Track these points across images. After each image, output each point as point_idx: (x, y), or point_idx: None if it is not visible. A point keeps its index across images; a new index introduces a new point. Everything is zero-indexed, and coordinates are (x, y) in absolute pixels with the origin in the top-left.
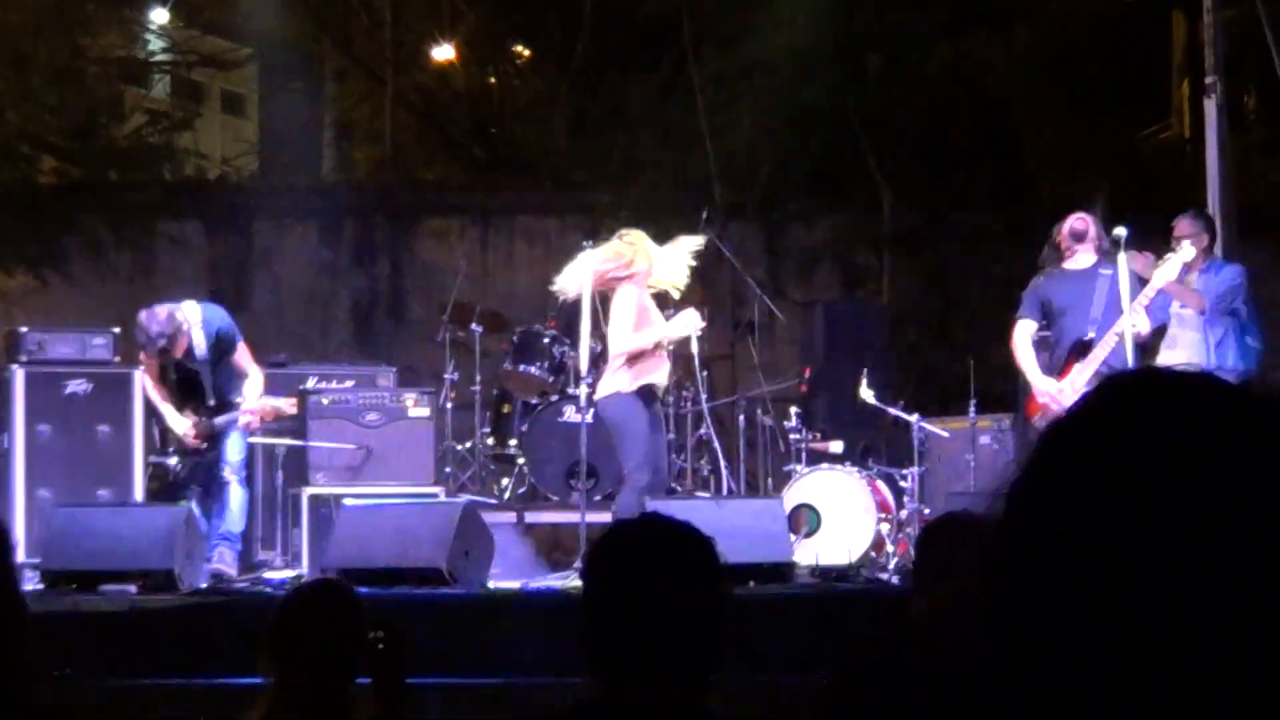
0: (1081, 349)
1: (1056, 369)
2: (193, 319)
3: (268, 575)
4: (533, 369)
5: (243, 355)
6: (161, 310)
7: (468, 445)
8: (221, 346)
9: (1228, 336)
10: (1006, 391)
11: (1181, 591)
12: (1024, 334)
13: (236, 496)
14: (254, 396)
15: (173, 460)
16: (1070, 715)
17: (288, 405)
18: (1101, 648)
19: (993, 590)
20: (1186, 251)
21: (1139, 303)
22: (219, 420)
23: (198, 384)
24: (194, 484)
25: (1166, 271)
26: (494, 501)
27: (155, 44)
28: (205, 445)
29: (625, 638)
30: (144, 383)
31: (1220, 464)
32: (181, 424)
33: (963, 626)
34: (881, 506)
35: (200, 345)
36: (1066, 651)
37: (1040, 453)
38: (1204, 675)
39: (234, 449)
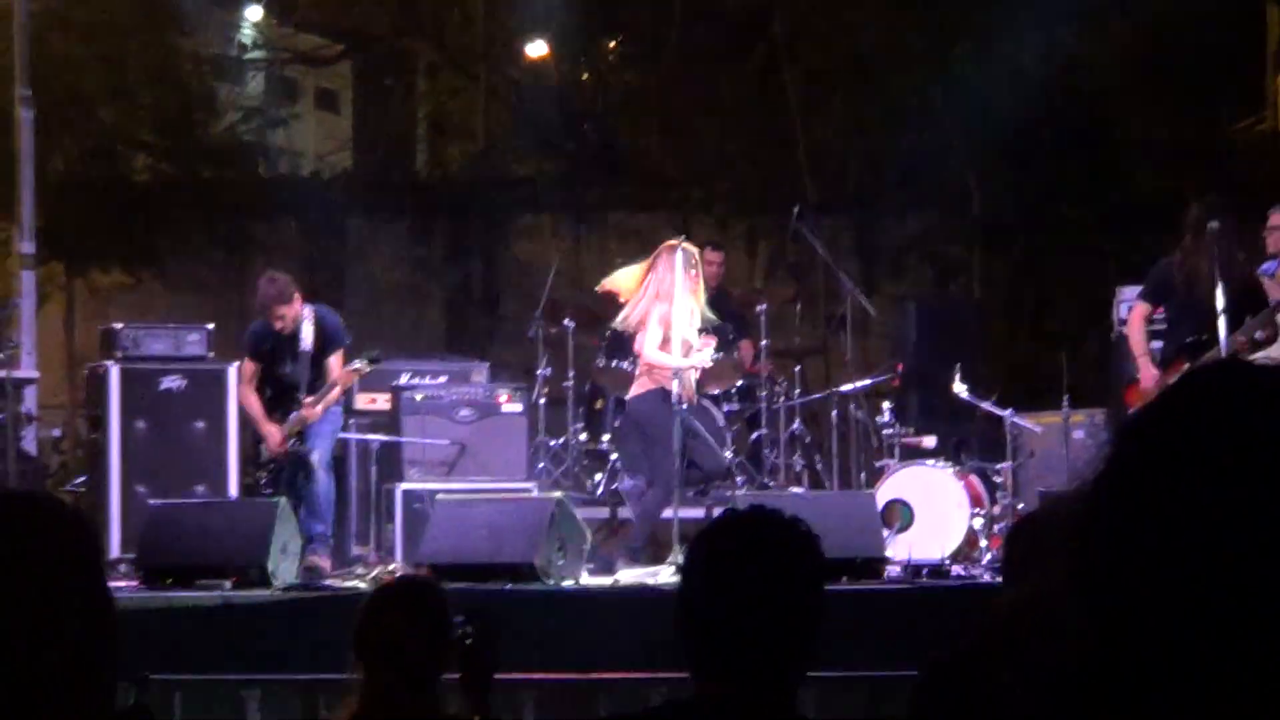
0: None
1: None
2: (307, 313)
3: (361, 570)
4: (625, 364)
5: (336, 361)
6: (281, 278)
7: (561, 441)
8: (325, 345)
9: None
10: (1099, 385)
11: (1266, 578)
12: None
13: (324, 491)
14: (322, 401)
15: (263, 475)
16: (1159, 702)
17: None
18: (1188, 634)
19: (1080, 580)
20: None
21: (1262, 319)
22: (303, 411)
23: (293, 385)
24: (283, 484)
25: None
26: (587, 497)
27: (249, 41)
28: (292, 443)
29: (725, 633)
30: (239, 390)
31: None
32: (270, 432)
33: (1048, 619)
34: (974, 502)
35: (308, 338)
36: (1154, 639)
37: (1125, 442)
38: None
39: (322, 443)
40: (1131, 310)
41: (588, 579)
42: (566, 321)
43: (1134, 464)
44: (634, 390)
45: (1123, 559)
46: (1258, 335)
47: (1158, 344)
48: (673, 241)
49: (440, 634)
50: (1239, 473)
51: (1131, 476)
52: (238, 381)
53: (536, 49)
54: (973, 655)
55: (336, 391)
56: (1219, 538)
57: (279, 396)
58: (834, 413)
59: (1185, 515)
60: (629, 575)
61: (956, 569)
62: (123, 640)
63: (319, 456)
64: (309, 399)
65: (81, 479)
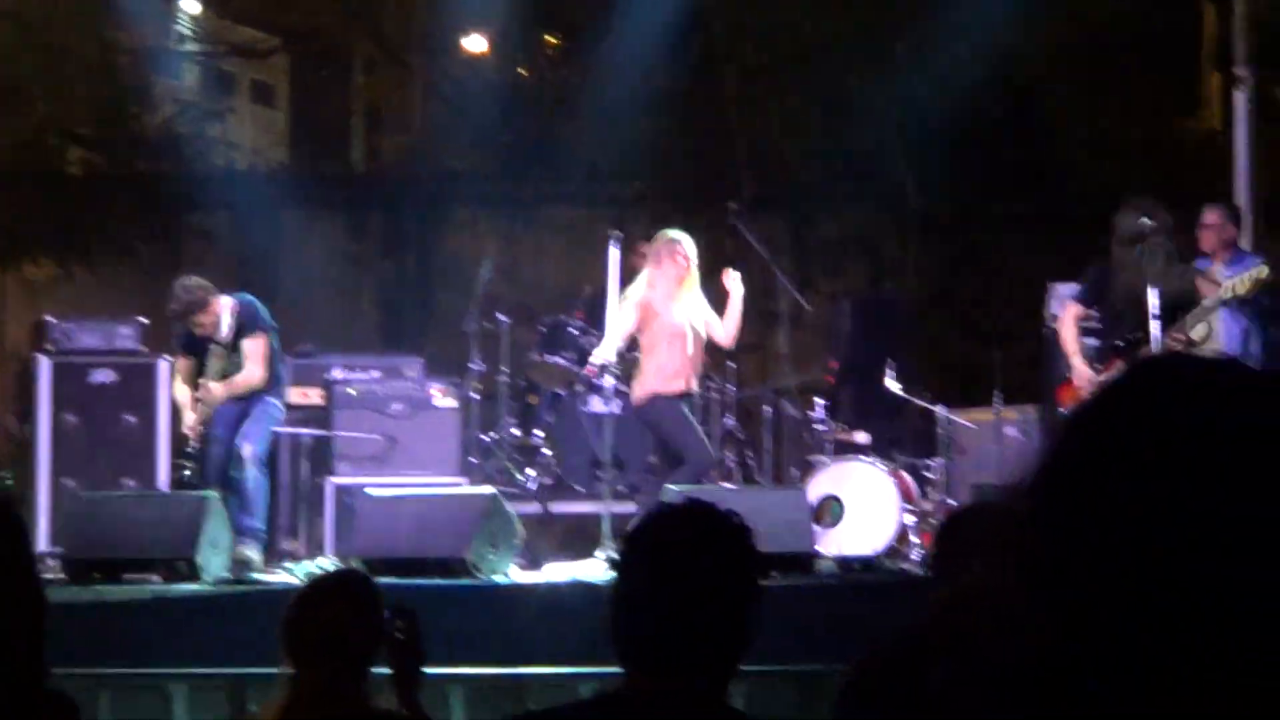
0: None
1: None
2: (225, 307)
3: (290, 565)
4: (559, 359)
5: (253, 348)
6: (194, 280)
7: (493, 436)
8: (240, 331)
9: (1251, 328)
10: (1032, 381)
11: (1209, 570)
12: None
13: (256, 485)
14: (227, 385)
15: (186, 466)
16: (1114, 693)
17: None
18: (1134, 624)
19: (1031, 575)
20: (1260, 270)
21: (1201, 314)
22: (199, 393)
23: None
24: (213, 478)
25: (1236, 286)
26: (518, 492)
27: (185, 34)
28: (220, 432)
29: (658, 626)
30: (173, 384)
31: (1240, 446)
32: (188, 421)
33: (997, 613)
34: (906, 497)
35: (226, 329)
36: (1106, 631)
37: (1065, 436)
38: (1236, 653)
39: (253, 436)
40: (1064, 309)
41: (519, 573)
42: (500, 316)
43: (1074, 459)
44: (643, 391)
45: (1068, 554)
46: (1192, 334)
47: (1092, 341)
48: (669, 234)
49: (372, 628)
50: (1176, 465)
51: (1073, 471)
52: (170, 375)
53: (474, 44)
54: (906, 649)
55: (243, 379)
56: (1157, 530)
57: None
58: (768, 408)
59: (1125, 508)
60: (559, 570)
61: (888, 564)
62: (50, 632)
63: (251, 450)
64: (211, 383)
65: (9, 472)
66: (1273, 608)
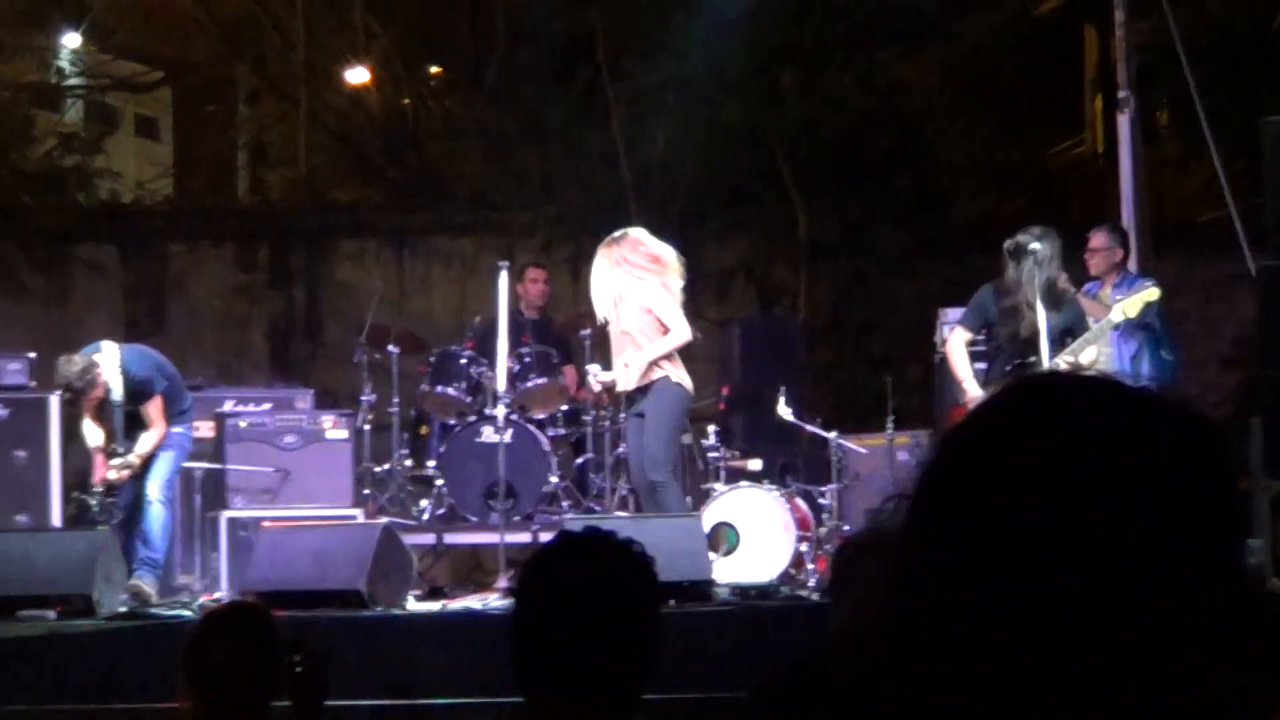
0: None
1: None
2: (110, 362)
3: (186, 599)
4: (450, 390)
5: (153, 407)
6: (77, 362)
7: (386, 467)
8: (134, 393)
9: (1142, 350)
10: (923, 406)
11: (1080, 590)
12: None
13: (158, 519)
14: (140, 447)
15: (93, 502)
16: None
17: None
18: (1004, 645)
19: (896, 590)
20: (1150, 292)
21: (1092, 338)
22: (109, 474)
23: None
24: (116, 509)
25: (1127, 307)
26: (413, 523)
27: (67, 68)
28: (107, 494)
29: (558, 654)
30: (81, 421)
31: (1118, 464)
32: (96, 466)
33: (868, 637)
34: (801, 524)
35: (116, 389)
36: (968, 650)
37: (944, 452)
38: (1106, 675)
39: (159, 471)
40: (951, 334)
41: (415, 604)
42: (390, 347)
43: (943, 477)
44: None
45: (939, 568)
46: (1081, 358)
47: (981, 365)
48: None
49: (271, 660)
50: (1043, 481)
51: (941, 489)
52: (73, 415)
53: (357, 75)
54: (800, 676)
55: (150, 440)
56: (1035, 546)
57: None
58: None
59: (1002, 525)
60: (456, 600)
61: (784, 590)
62: None
63: (154, 486)
64: (114, 461)
65: None
66: (1124, 623)
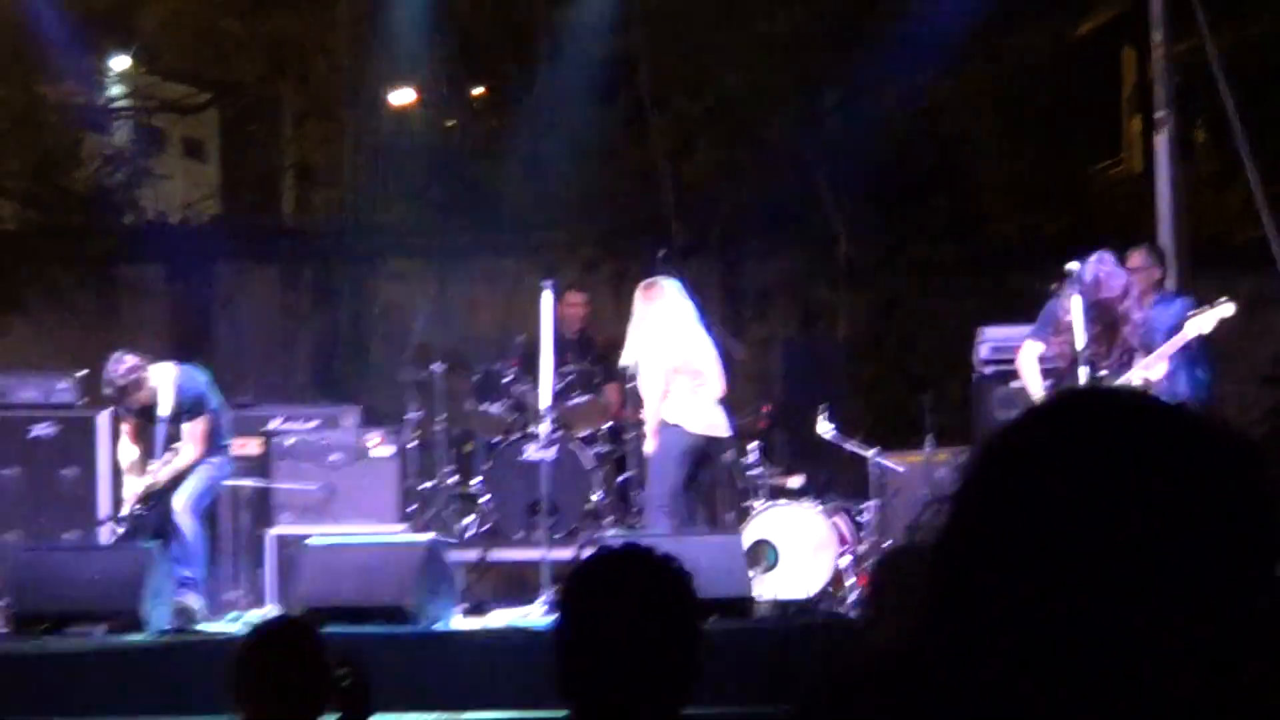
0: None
1: None
2: (165, 378)
3: (234, 614)
4: (494, 408)
5: (199, 427)
6: (127, 360)
7: (431, 484)
8: (181, 412)
9: (1179, 370)
10: (962, 424)
11: (1115, 601)
12: None
13: (190, 535)
14: (167, 466)
15: (120, 530)
16: (1011, 708)
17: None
18: (1038, 649)
19: (932, 593)
20: (1225, 308)
21: (1165, 351)
22: (147, 479)
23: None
24: (147, 532)
25: (1201, 323)
26: (457, 540)
27: (116, 90)
28: (139, 508)
29: (600, 668)
30: (119, 442)
31: (1157, 479)
32: (130, 492)
33: (906, 644)
34: (840, 540)
35: (165, 405)
36: (1002, 652)
37: (984, 459)
38: (1145, 679)
39: (188, 487)
40: (1023, 349)
41: (460, 620)
42: (435, 365)
43: (983, 483)
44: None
45: (966, 575)
46: (1150, 373)
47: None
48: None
49: (319, 673)
50: (1085, 493)
51: (980, 494)
52: (114, 434)
53: (402, 96)
54: (841, 690)
55: (181, 460)
56: (1071, 554)
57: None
58: None
59: (1027, 532)
60: (501, 616)
61: (824, 607)
62: None
63: (182, 501)
64: (153, 465)
65: None
66: (1159, 637)
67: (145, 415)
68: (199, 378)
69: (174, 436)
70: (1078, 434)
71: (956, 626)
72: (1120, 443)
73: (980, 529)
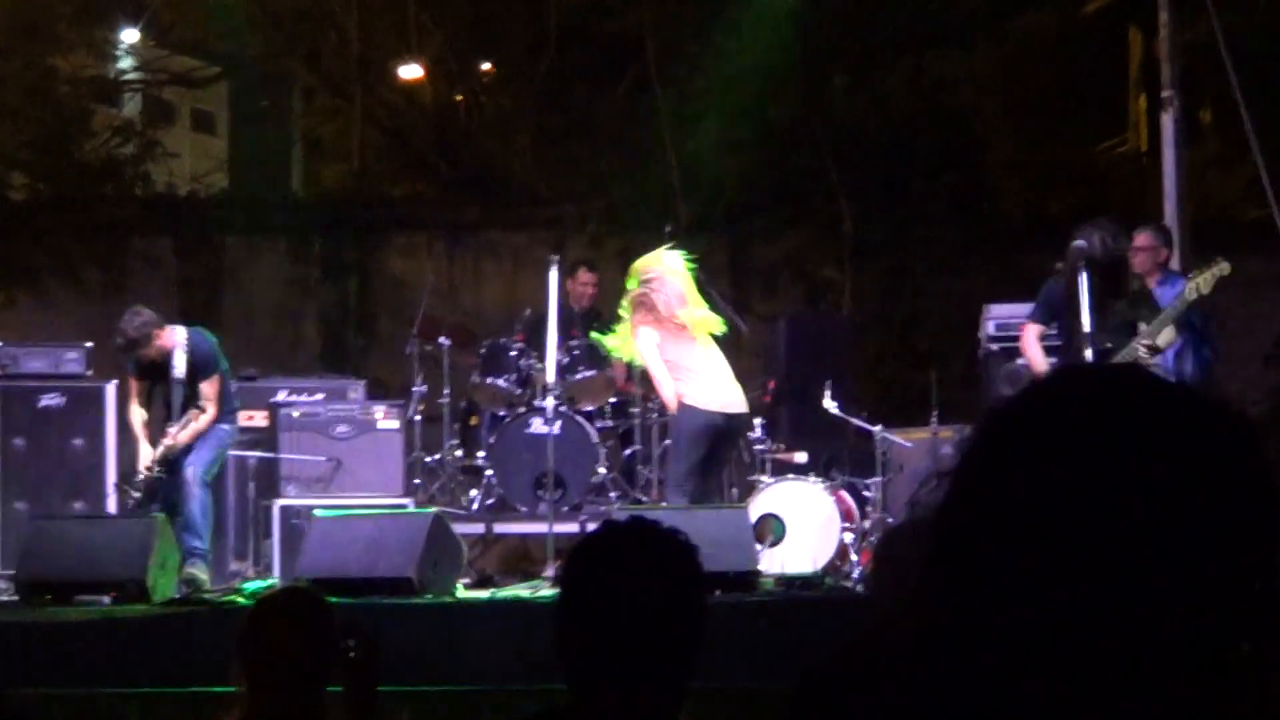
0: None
1: None
2: (178, 339)
3: (240, 584)
4: (500, 381)
5: (211, 386)
6: (143, 314)
7: (436, 457)
8: (196, 372)
9: (1185, 348)
10: (967, 401)
11: (1108, 579)
12: None
13: (199, 506)
14: (186, 428)
15: (136, 494)
16: (1013, 693)
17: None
18: (1035, 622)
19: (930, 565)
20: (1223, 267)
21: (1169, 316)
22: (165, 440)
23: (169, 407)
24: (159, 500)
25: (1200, 284)
26: (463, 512)
27: (126, 63)
28: (158, 470)
29: (603, 641)
30: (125, 406)
31: (1153, 454)
32: (142, 453)
33: (909, 622)
34: (845, 516)
35: (180, 365)
36: (997, 624)
37: (982, 433)
38: (1142, 656)
39: (200, 458)
40: (1024, 330)
41: (464, 592)
42: (442, 339)
43: (981, 456)
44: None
45: (963, 546)
46: (1158, 340)
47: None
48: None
49: (326, 643)
50: (1081, 468)
51: (978, 468)
52: (121, 398)
53: (410, 71)
54: (845, 666)
55: (203, 420)
56: (1052, 533)
57: (166, 415)
58: None
59: (1023, 505)
60: (505, 589)
61: (828, 582)
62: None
63: (193, 472)
64: (172, 428)
65: None
66: (1153, 616)
67: (151, 374)
68: (210, 338)
69: (189, 399)
70: (1077, 409)
71: (953, 601)
72: (1119, 417)
73: (978, 503)
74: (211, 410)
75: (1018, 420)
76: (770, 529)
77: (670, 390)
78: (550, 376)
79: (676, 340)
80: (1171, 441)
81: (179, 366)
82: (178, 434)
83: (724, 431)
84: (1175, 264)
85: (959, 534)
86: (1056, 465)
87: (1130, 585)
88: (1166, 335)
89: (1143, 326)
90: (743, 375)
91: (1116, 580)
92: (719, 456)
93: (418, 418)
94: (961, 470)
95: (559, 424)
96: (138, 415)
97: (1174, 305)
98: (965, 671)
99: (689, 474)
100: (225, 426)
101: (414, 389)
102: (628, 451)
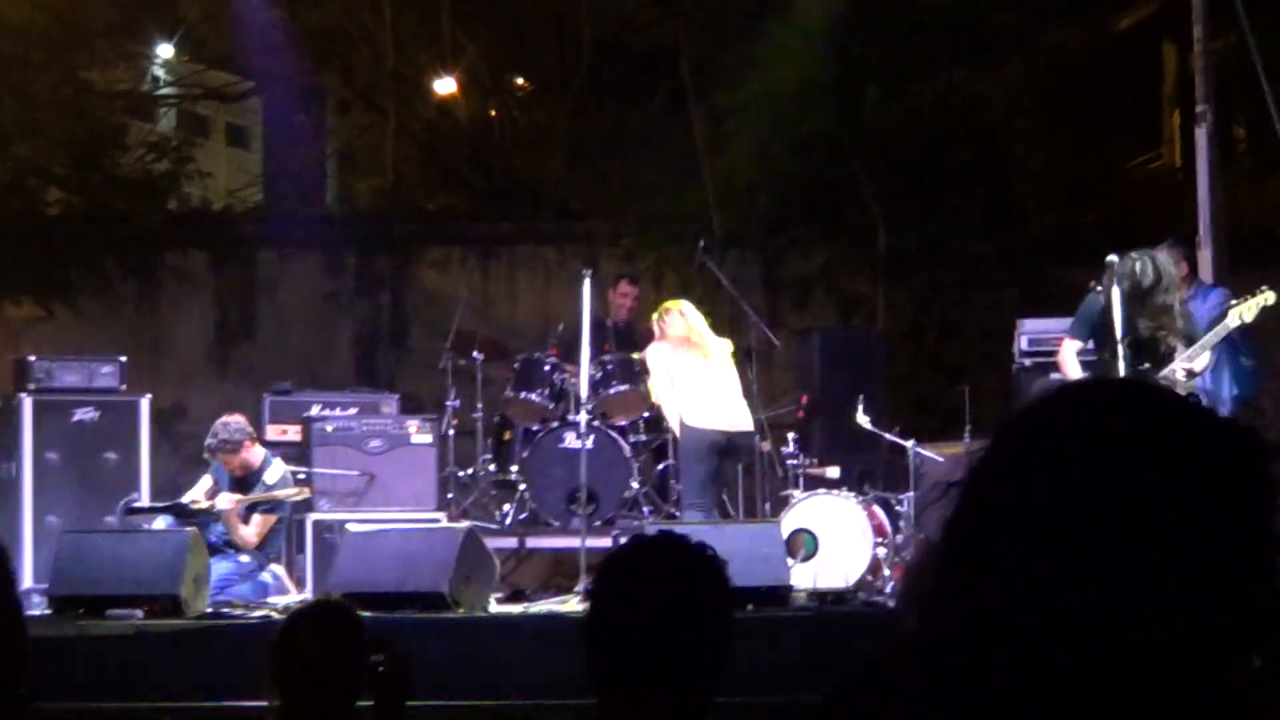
0: None
1: None
2: (276, 471)
3: (273, 600)
4: (533, 396)
5: (262, 523)
6: (238, 422)
7: (469, 471)
8: (260, 503)
9: (1221, 359)
10: (1000, 415)
11: (1106, 587)
12: None
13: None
14: (234, 521)
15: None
16: (1020, 689)
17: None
18: (1039, 631)
19: (939, 576)
20: (1268, 296)
21: (1208, 341)
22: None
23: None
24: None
25: (1244, 312)
26: (495, 527)
27: (160, 78)
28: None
29: (630, 655)
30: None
31: (1154, 467)
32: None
33: (924, 629)
34: (878, 531)
35: (272, 476)
36: (1004, 632)
37: (991, 447)
38: (1146, 662)
39: (230, 531)
40: (1063, 346)
41: (496, 607)
42: (475, 354)
43: (989, 468)
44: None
45: (970, 557)
46: (1195, 365)
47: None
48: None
49: (357, 658)
50: (1084, 479)
51: (986, 479)
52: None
53: (445, 86)
54: (873, 679)
55: (236, 536)
56: (1056, 541)
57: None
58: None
59: (1028, 516)
60: (537, 604)
61: (860, 596)
62: (33, 667)
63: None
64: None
65: None
66: (1149, 625)
67: (228, 482)
68: (287, 480)
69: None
70: (1089, 420)
71: (964, 606)
72: (1130, 428)
73: (991, 511)
74: (252, 539)
75: (1031, 430)
76: (803, 544)
77: (673, 410)
78: (583, 391)
79: (684, 357)
80: (1180, 452)
81: (271, 477)
82: (231, 509)
83: (724, 449)
84: (1207, 276)
85: (969, 540)
86: (1068, 475)
87: (1138, 592)
88: (1204, 360)
89: (1171, 340)
90: (775, 390)
91: (1125, 587)
92: (721, 473)
93: (451, 432)
94: (974, 479)
95: (592, 438)
96: (196, 493)
97: (1215, 332)
98: (975, 679)
99: (700, 489)
100: (250, 564)
101: (447, 403)
102: (661, 466)
